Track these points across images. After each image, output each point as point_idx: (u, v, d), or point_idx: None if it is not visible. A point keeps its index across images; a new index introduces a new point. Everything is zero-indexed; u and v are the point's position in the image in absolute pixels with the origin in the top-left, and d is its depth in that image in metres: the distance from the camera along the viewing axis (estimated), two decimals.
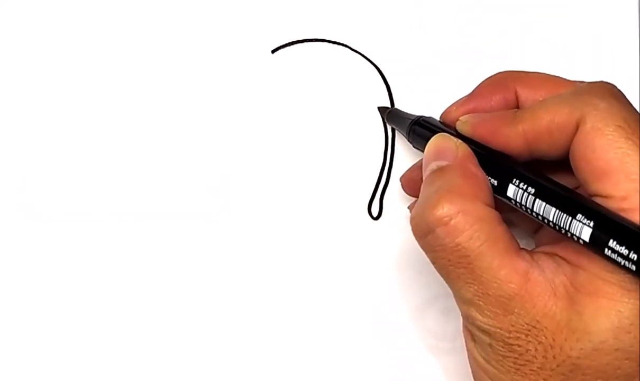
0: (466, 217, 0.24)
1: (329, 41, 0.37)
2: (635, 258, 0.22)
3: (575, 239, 0.24)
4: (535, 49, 0.37)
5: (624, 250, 0.22)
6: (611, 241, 0.22)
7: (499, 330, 0.24)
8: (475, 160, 0.27)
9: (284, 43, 0.37)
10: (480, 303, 0.24)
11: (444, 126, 0.30)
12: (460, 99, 0.30)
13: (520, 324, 0.24)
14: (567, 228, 0.24)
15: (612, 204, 0.23)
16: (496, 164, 0.27)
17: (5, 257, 0.35)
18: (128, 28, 0.37)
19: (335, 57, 0.37)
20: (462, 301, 0.25)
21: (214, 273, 0.35)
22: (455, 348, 0.34)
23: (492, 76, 0.30)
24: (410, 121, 0.32)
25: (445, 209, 0.25)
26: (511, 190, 0.26)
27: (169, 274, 0.35)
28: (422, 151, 0.29)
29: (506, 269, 0.24)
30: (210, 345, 0.34)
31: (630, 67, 0.37)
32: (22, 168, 0.36)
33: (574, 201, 0.24)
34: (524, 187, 0.25)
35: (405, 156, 0.36)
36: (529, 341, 0.24)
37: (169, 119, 0.36)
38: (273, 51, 0.37)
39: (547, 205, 0.25)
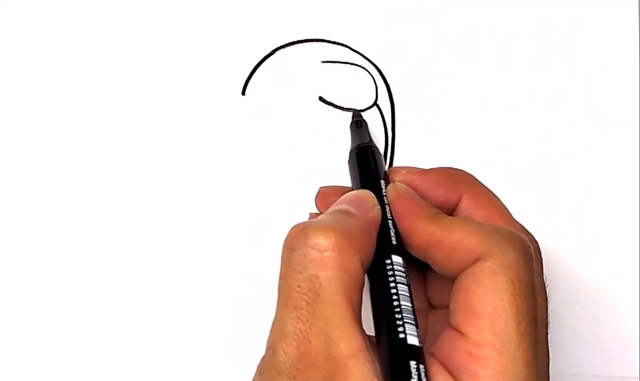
0: (340, 260, 0.23)
1: (329, 41, 0.37)
2: None
3: None
4: (535, 49, 0.37)
5: None
6: None
7: (291, 376, 0.23)
8: (377, 228, 0.26)
9: (284, 43, 0.37)
10: (295, 343, 0.23)
11: (382, 174, 0.30)
12: (415, 168, 0.30)
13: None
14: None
15: (463, 345, 0.23)
16: (386, 240, 0.26)
17: (2, 257, 0.35)
18: (120, 30, 0.37)
19: (335, 57, 0.37)
20: (279, 332, 0.24)
21: (214, 275, 0.35)
22: None
23: (451, 169, 0.30)
24: (358, 145, 0.32)
25: (327, 239, 0.24)
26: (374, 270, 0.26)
27: (167, 276, 0.35)
28: (351, 175, 0.30)
29: (343, 332, 0.23)
30: (210, 346, 0.34)
31: (630, 67, 0.37)
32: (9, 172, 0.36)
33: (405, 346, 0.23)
34: (390, 274, 0.25)
35: (405, 157, 0.36)
36: None
37: (166, 119, 0.36)
38: (274, 51, 0.37)
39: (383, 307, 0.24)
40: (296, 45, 0.37)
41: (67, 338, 0.34)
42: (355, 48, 0.37)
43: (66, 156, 0.36)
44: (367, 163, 0.31)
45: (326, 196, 0.30)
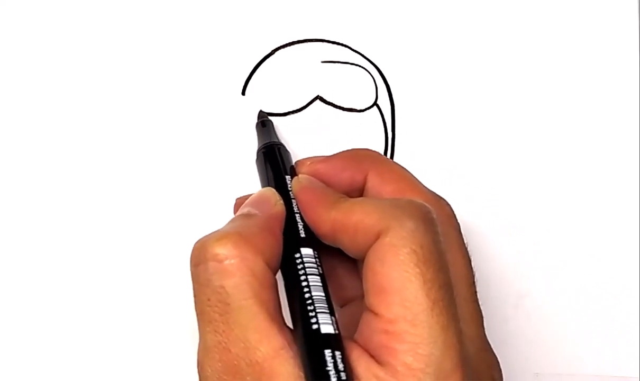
0: (242, 265, 0.24)
1: (329, 41, 0.37)
2: None
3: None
4: (535, 48, 0.37)
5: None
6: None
7: None
8: (282, 224, 0.27)
9: (284, 43, 0.37)
10: (217, 356, 0.23)
11: (289, 170, 0.30)
12: (320, 157, 0.30)
13: None
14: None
15: (379, 324, 0.23)
16: (294, 234, 0.27)
17: None
18: (120, 30, 0.37)
19: (335, 57, 0.37)
20: (202, 348, 0.24)
21: None
22: None
23: (354, 150, 0.30)
24: (264, 144, 0.32)
25: (225, 247, 0.24)
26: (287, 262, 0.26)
27: (166, 274, 0.35)
28: (259, 176, 0.31)
29: (260, 335, 0.23)
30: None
31: (630, 67, 0.37)
32: None
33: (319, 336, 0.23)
34: (300, 267, 0.25)
35: (405, 157, 0.36)
36: None
37: (166, 119, 0.36)
38: (273, 51, 0.37)
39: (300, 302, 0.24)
40: (296, 45, 0.37)
41: (62, 338, 0.34)
42: (355, 48, 0.37)
43: (65, 156, 0.36)
44: (273, 161, 0.31)
45: (239, 206, 0.29)
